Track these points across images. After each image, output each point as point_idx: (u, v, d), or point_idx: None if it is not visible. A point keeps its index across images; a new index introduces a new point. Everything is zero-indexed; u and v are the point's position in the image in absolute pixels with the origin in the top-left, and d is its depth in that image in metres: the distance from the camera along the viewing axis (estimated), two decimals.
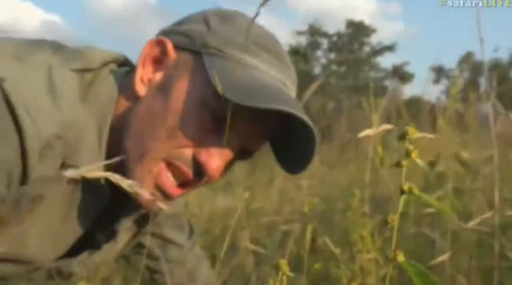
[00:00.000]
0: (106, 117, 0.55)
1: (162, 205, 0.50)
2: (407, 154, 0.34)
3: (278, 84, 0.56)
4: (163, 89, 0.56)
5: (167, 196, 0.57)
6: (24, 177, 0.48)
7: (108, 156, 0.55)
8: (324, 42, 17.70)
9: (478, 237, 1.12)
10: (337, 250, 0.89)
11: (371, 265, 0.87)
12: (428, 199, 0.33)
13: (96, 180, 0.56)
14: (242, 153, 0.59)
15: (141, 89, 0.57)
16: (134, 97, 0.57)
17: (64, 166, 0.52)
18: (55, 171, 0.51)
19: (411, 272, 0.32)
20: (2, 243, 0.53)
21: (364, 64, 17.17)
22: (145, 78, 0.57)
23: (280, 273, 0.41)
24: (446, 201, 1.35)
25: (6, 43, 0.53)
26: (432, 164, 1.35)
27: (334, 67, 17.33)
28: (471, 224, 0.63)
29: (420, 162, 0.34)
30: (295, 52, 17.61)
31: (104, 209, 0.60)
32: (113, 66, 0.60)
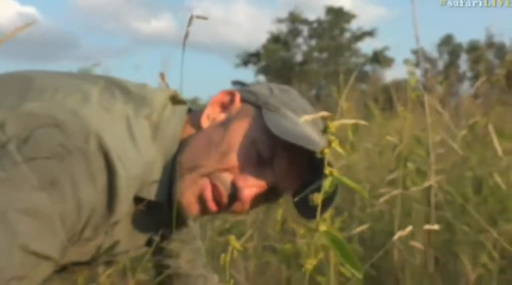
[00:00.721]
0: (171, 155, 0.67)
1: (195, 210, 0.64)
2: (329, 143, 0.41)
3: (314, 137, 0.67)
4: (223, 125, 0.69)
5: (205, 209, 0.67)
6: (110, 210, 0.59)
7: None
8: (305, 29, 17.75)
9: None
10: (302, 231, 0.97)
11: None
12: (343, 180, 0.40)
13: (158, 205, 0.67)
14: (272, 193, 0.70)
15: (205, 123, 0.69)
16: (197, 128, 0.70)
17: (135, 197, 0.64)
18: (130, 201, 0.62)
19: (328, 240, 0.39)
20: (85, 252, 0.66)
21: (345, 50, 17.27)
22: (210, 116, 0.70)
23: (230, 248, 0.48)
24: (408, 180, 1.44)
25: (89, 89, 0.63)
26: (393, 148, 1.44)
27: (315, 54, 17.41)
28: (381, 200, 0.72)
29: (340, 150, 0.40)
30: (276, 39, 17.62)
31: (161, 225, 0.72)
32: (168, 102, 0.70)
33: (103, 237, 0.66)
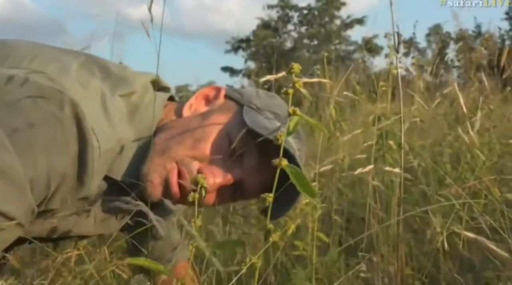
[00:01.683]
0: (147, 138, 0.68)
1: (156, 192, 0.64)
2: (293, 84, 0.43)
3: (289, 139, 0.68)
4: (202, 116, 0.70)
5: (168, 193, 0.67)
6: (80, 182, 0.59)
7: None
8: (295, 16, 17.66)
9: None
10: None
11: (308, 208, 0.98)
12: (308, 119, 0.42)
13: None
14: (238, 191, 0.71)
15: (186, 112, 0.72)
16: (179, 116, 0.71)
17: (106, 177, 0.64)
18: (100, 179, 0.63)
19: (291, 174, 0.42)
20: (68, 225, 0.67)
21: (335, 37, 17.24)
22: (193, 107, 0.73)
23: (192, 220, 0.49)
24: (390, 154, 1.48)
25: (68, 62, 0.63)
26: (373, 122, 1.47)
27: (305, 40, 17.36)
28: (357, 172, 0.75)
29: (304, 91, 0.42)
30: (266, 26, 17.51)
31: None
32: (150, 87, 0.71)
33: (73, 219, 0.66)
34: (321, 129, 0.44)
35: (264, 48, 16.63)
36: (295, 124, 0.44)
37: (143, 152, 0.67)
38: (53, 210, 0.61)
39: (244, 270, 0.42)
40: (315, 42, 17.08)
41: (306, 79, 0.47)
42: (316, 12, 17.35)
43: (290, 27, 17.84)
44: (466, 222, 0.99)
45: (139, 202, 0.59)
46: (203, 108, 0.72)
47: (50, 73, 0.60)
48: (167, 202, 0.60)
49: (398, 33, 0.73)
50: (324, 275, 1.02)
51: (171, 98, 0.77)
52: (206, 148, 0.66)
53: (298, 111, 0.43)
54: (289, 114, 0.43)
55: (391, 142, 1.53)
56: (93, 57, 0.68)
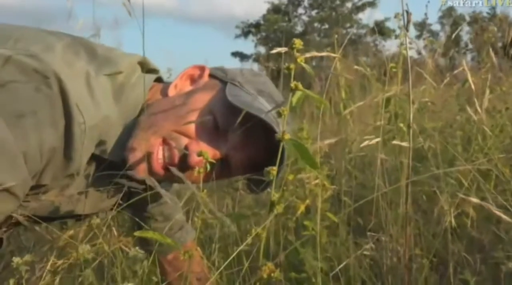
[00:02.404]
0: (132, 118, 0.69)
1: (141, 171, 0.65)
2: (295, 60, 0.43)
3: (271, 114, 0.68)
4: (187, 94, 0.71)
5: (151, 169, 0.68)
6: (67, 158, 0.60)
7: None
8: None
9: None
10: (291, 177, 1.00)
11: (318, 189, 0.99)
12: (310, 93, 0.43)
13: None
14: (225, 167, 0.71)
15: (172, 92, 0.72)
16: (164, 95, 0.72)
17: (94, 156, 0.65)
18: (88, 157, 0.63)
19: (291, 146, 0.42)
20: (43, 207, 0.67)
21: (346, 20, 17.00)
22: (178, 86, 0.73)
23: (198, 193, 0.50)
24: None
25: (53, 42, 0.64)
26: (386, 104, 1.46)
27: (316, 24, 17.15)
28: (363, 144, 0.75)
29: (306, 67, 0.43)
30: (276, 10, 17.33)
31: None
32: (138, 68, 0.72)
33: (67, 198, 0.68)
34: (322, 103, 0.44)
35: (274, 33, 16.48)
36: (298, 99, 0.44)
37: (129, 131, 0.68)
38: (45, 186, 0.63)
39: (249, 240, 0.43)
40: (326, 26, 16.87)
41: (314, 53, 0.47)
42: None
43: (300, 10, 17.64)
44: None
45: (146, 177, 0.60)
46: (188, 88, 0.73)
47: (35, 52, 0.60)
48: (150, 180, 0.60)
49: (407, 12, 0.73)
50: (333, 255, 1.03)
51: (159, 80, 0.78)
52: (191, 124, 0.67)
53: (300, 86, 0.43)
54: (291, 89, 0.44)
55: (401, 125, 1.52)
56: (80, 39, 0.69)
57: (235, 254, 0.49)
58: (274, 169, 0.45)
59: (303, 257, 1.04)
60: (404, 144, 0.70)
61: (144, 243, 0.90)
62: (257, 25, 17.68)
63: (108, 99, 0.65)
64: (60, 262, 0.66)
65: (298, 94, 0.43)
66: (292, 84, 0.43)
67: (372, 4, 17.07)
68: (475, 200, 0.60)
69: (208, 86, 0.73)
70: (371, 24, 16.90)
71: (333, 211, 1.20)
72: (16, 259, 0.64)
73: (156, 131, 0.67)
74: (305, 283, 1.03)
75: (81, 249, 0.63)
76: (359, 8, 17.13)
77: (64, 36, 0.67)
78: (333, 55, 0.53)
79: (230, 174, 0.75)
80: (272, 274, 0.43)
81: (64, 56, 0.63)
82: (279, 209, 0.47)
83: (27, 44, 0.62)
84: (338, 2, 17.10)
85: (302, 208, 1.09)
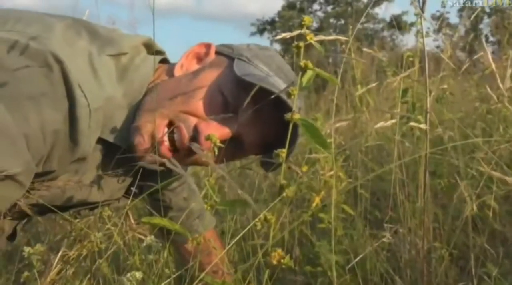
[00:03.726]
0: (138, 100, 0.67)
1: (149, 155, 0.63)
2: (304, 38, 0.41)
3: (280, 86, 0.67)
4: (194, 73, 0.69)
5: (158, 153, 0.66)
6: (73, 142, 0.58)
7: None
8: None
9: None
10: (305, 168, 0.99)
11: (333, 180, 0.97)
12: (320, 72, 0.41)
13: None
14: (237, 145, 0.69)
15: (178, 72, 0.70)
16: (170, 76, 0.70)
17: (101, 140, 0.63)
18: (94, 140, 0.62)
19: (303, 125, 0.40)
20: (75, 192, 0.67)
21: (362, 16, 16.78)
22: (184, 66, 0.71)
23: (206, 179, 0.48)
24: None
25: (53, 22, 0.62)
26: (403, 94, 1.43)
27: (331, 20, 17.00)
28: (377, 125, 0.73)
29: (316, 45, 0.41)
30: (292, 6, 17.24)
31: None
32: (143, 50, 0.70)
33: (79, 185, 0.66)
34: (334, 82, 0.43)
35: (290, 29, 16.38)
36: (308, 78, 0.42)
37: (134, 113, 0.66)
38: (52, 173, 0.61)
39: (252, 223, 0.41)
40: (342, 21, 16.71)
41: (322, 37, 0.45)
42: None
43: (315, 6, 17.50)
44: (496, 192, 0.95)
45: (152, 160, 0.58)
46: (195, 67, 0.71)
47: (34, 32, 0.59)
48: (172, 165, 0.59)
49: None
50: (349, 247, 1.01)
51: (165, 61, 0.75)
52: (199, 104, 0.65)
53: (310, 64, 0.41)
54: (301, 68, 0.42)
55: (419, 117, 1.49)
56: (81, 20, 0.67)
57: (232, 241, 0.47)
58: (283, 152, 0.43)
59: (318, 250, 1.02)
60: (422, 126, 0.67)
61: (163, 231, 0.89)
62: (272, 22, 17.63)
63: (112, 80, 0.63)
64: (72, 252, 0.66)
65: (308, 73, 0.41)
66: (302, 63, 0.41)
67: None
68: (495, 173, 0.57)
69: (215, 63, 0.70)
70: (388, 19, 16.67)
71: (349, 204, 1.18)
72: (27, 249, 0.63)
73: (162, 113, 0.65)
74: (320, 277, 1.01)
75: (94, 237, 0.62)
76: (376, 3, 16.90)
77: (65, 18, 0.66)
78: (342, 38, 0.51)
79: (243, 154, 0.73)
80: (282, 261, 0.41)
81: (65, 35, 0.61)
82: (289, 193, 0.45)
83: (26, 25, 0.60)
84: None
85: (317, 200, 1.07)
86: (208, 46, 0.72)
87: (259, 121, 0.67)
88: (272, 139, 0.67)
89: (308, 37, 0.41)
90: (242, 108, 0.64)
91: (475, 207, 0.76)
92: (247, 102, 0.57)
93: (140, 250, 0.75)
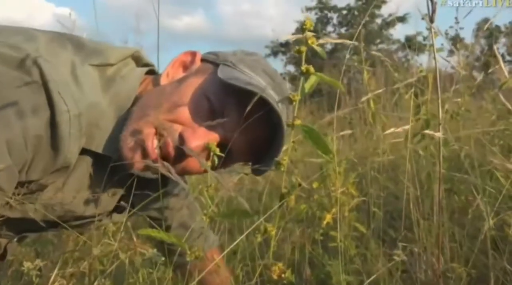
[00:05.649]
0: (124, 110, 0.66)
1: (139, 162, 0.61)
2: (306, 42, 0.40)
3: (268, 90, 0.66)
4: (179, 81, 0.69)
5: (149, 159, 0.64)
6: (55, 149, 0.57)
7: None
8: (334, 17, 17.46)
9: None
10: (315, 184, 0.96)
11: (344, 197, 0.94)
12: (322, 77, 0.39)
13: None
14: (223, 150, 0.66)
15: (164, 81, 0.70)
16: (156, 85, 0.70)
17: (83, 149, 0.62)
18: (78, 149, 0.61)
19: (305, 133, 0.38)
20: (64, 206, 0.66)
21: (376, 37, 16.86)
22: (170, 75, 0.71)
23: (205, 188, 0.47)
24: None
25: (36, 34, 0.63)
26: (417, 111, 1.40)
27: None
28: (388, 131, 0.71)
29: (318, 49, 0.39)
30: (304, 29, 17.43)
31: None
32: (131, 62, 0.70)
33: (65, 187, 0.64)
34: (338, 86, 0.41)
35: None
36: (311, 84, 0.41)
37: (122, 124, 0.65)
38: (37, 182, 0.60)
39: (259, 239, 0.39)
40: (356, 43, 16.79)
41: (328, 39, 0.43)
42: (356, 12, 17.07)
43: (329, 28, 17.64)
44: None
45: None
46: (180, 75, 0.71)
47: (14, 43, 0.58)
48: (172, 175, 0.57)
49: (432, 1, 0.68)
50: (362, 267, 0.97)
51: (153, 73, 0.75)
52: (184, 110, 0.64)
53: (311, 69, 0.40)
54: (302, 73, 0.40)
55: (435, 134, 1.45)
56: (66, 34, 0.67)
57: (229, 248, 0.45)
58: (285, 159, 0.41)
59: (329, 270, 0.98)
60: (438, 134, 0.65)
61: (164, 252, 0.86)
62: (286, 44, 17.81)
63: (95, 88, 0.62)
64: (70, 269, 0.64)
65: (312, 79, 0.40)
66: (303, 67, 0.40)
67: (402, 19, 16.89)
68: (509, 165, 0.53)
69: (200, 70, 0.70)
70: (402, 39, 16.67)
71: (362, 222, 1.14)
72: (27, 264, 0.62)
73: (148, 121, 0.64)
74: None
75: (95, 251, 0.60)
76: (389, 24, 16.98)
77: (50, 32, 0.66)
78: (348, 42, 0.50)
79: (232, 160, 0.71)
80: (283, 275, 0.38)
81: (48, 46, 0.61)
82: (291, 202, 0.43)
83: (9, 36, 0.60)
84: (367, 19, 17.02)
85: (328, 218, 1.04)
86: (193, 54, 0.72)
87: (247, 126, 0.65)
88: (260, 143, 0.66)
89: (310, 41, 0.39)
90: (228, 112, 0.64)
91: (491, 223, 0.72)
92: (232, 105, 0.55)
93: (143, 266, 0.73)
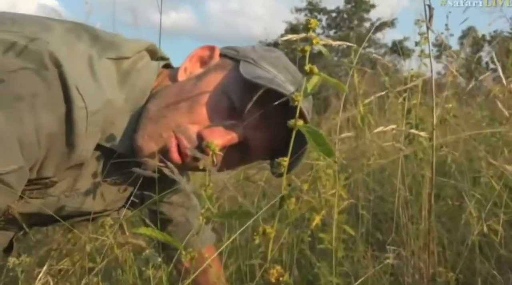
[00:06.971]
0: (140, 106, 0.64)
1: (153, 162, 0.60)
2: (310, 42, 0.39)
3: (289, 87, 0.65)
4: (198, 77, 0.67)
5: (169, 162, 0.63)
6: (70, 146, 0.56)
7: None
8: (323, 19, 17.56)
9: None
10: (305, 186, 0.95)
11: (334, 199, 0.94)
12: (326, 78, 0.39)
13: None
14: (244, 151, 0.66)
15: (182, 76, 0.68)
16: (173, 81, 0.68)
17: (101, 147, 0.61)
18: (93, 146, 0.59)
19: (308, 134, 0.38)
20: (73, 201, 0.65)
21: (364, 40, 17.00)
22: (188, 70, 0.68)
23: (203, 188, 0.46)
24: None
25: (52, 24, 0.61)
26: (407, 115, 1.42)
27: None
28: (377, 130, 0.71)
29: (322, 49, 0.39)
30: (294, 30, 17.48)
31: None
32: (146, 55, 0.68)
33: (79, 194, 0.64)
34: (342, 88, 0.40)
35: (293, 52, 16.62)
36: (314, 84, 0.40)
37: (137, 120, 0.63)
38: (49, 179, 0.59)
39: (258, 241, 0.38)
40: (344, 45, 16.91)
41: (330, 41, 0.43)
42: (345, 15, 17.21)
43: (318, 30, 17.74)
44: (503, 215, 0.92)
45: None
46: (199, 70, 0.68)
47: (32, 33, 0.57)
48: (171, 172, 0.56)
49: (429, 6, 0.68)
50: (350, 270, 0.97)
51: (169, 67, 0.73)
52: (204, 110, 0.63)
53: (315, 69, 0.39)
54: (306, 73, 0.40)
55: (421, 134, 1.47)
56: (82, 24, 0.65)
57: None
58: (285, 160, 0.41)
59: (318, 272, 0.98)
60: (423, 134, 0.65)
61: (158, 248, 0.85)
62: (275, 45, 17.85)
63: (112, 84, 0.61)
64: (58, 266, 0.62)
65: (314, 79, 0.39)
66: (307, 67, 0.39)
67: (390, 24, 17.06)
68: (508, 167, 0.53)
69: (219, 66, 0.68)
70: (390, 44, 16.87)
71: (350, 225, 1.15)
72: (12, 260, 0.60)
73: (167, 124, 0.63)
74: None
75: (88, 247, 0.59)
76: (378, 28, 17.14)
77: (65, 21, 0.64)
78: (348, 44, 0.49)
79: (250, 159, 0.70)
80: (281, 278, 0.38)
81: (64, 37, 0.59)
82: (290, 205, 0.42)
83: (24, 25, 0.59)
84: (356, 22, 17.17)
85: (317, 219, 1.04)
86: (212, 48, 0.70)
87: (267, 125, 0.64)
88: (280, 143, 0.64)
89: (314, 41, 0.39)
90: (248, 110, 0.61)
91: (485, 228, 0.73)
92: (254, 104, 0.54)
93: (134, 264, 0.72)
